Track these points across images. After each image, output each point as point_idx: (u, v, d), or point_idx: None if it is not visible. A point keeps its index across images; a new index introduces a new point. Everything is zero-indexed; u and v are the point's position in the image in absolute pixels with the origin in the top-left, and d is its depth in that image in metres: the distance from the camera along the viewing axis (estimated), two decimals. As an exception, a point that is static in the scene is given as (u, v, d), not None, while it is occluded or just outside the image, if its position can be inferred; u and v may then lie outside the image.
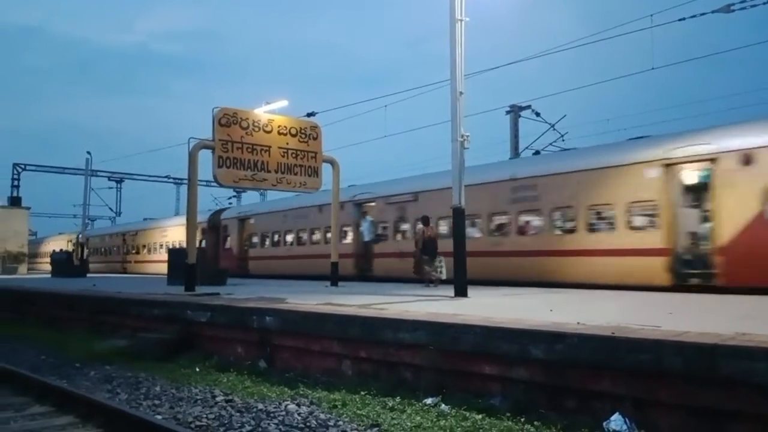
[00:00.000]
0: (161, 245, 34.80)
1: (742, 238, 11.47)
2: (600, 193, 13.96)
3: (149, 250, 37.46)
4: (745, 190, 11.53)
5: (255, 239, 26.94)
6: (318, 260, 19.74)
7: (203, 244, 25.92)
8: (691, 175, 12.67)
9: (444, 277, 13.59)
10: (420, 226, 15.24)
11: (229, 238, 28.81)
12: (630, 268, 13.04)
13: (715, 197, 11.95)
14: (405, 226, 19.27)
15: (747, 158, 11.61)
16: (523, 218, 15.65)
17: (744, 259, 11.37)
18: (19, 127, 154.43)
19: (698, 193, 12.58)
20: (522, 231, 15.70)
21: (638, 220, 13.33)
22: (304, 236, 23.41)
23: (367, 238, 20.23)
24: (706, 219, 12.37)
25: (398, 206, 19.63)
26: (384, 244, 19.92)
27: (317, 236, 22.53)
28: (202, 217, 25.43)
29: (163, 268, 20.61)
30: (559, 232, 14.94)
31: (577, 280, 13.58)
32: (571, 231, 14.56)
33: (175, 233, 32.70)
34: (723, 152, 11.91)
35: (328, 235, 20.08)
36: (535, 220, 15.43)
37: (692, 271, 12.36)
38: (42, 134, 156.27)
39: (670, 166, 12.73)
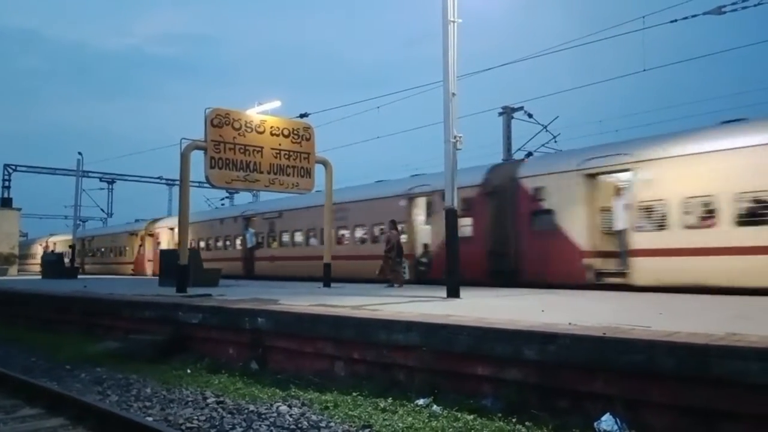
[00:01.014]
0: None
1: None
2: (380, 214, 18.75)
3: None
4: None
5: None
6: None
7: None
8: (418, 202, 18.82)
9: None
10: (393, 231, 15.89)
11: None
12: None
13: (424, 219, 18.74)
14: (274, 236, 25.04)
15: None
16: (340, 232, 21.08)
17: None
18: (14, 129, 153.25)
19: (425, 215, 18.54)
20: (339, 242, 20.85)
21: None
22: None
23: (249, 245, 25.47)
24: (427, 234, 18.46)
25: (270, 221, 25.28)
26: (261, 250, 25.41)
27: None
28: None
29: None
30: (359, 243, 20.68)
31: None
32: (364, 241, 20.45)
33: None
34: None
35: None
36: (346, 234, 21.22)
37: (423, 269, 18.16)
38: (37, 136, 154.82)
39: (411, 198, 18.84)
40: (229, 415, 6.14)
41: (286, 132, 15.49)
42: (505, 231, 15.97)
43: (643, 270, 12.93)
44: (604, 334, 5.31)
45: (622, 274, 13.39)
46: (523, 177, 15.77)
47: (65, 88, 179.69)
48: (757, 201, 11.73)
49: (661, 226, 12.83)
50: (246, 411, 6.26)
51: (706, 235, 12.17)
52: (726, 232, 11.87)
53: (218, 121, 14.28)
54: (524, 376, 5.68)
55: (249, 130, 14.78)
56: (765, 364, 4.32)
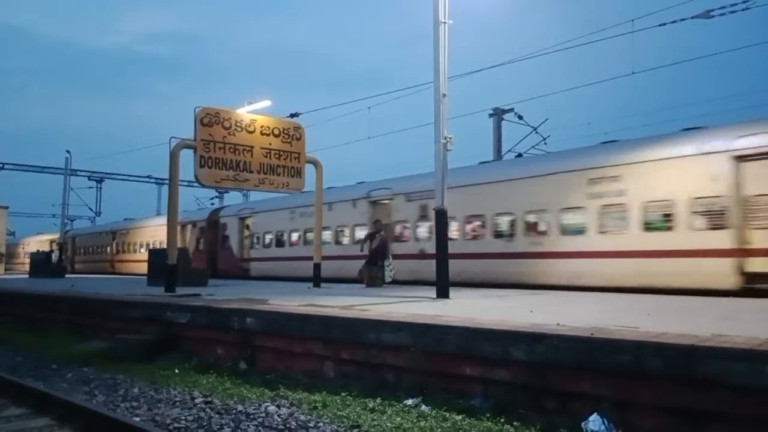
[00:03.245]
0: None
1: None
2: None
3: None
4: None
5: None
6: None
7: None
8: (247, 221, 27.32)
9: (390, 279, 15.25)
10: (382, 232, 16.18)
11: None
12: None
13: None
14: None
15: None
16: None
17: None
18: (2, 127, 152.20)
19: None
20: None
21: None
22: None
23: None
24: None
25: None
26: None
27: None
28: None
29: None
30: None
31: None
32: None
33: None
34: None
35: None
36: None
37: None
38: (25, 134, 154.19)
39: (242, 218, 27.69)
40: (217, 415, 6.11)
41: (276, 131, 15.46)
42: (215, 246, 28.68)
43: (253, 269, 25.91)
44: (592, 334, 5.33)
45: (247, 270, 25.96)
46: (221, 217, 28.95)
47: (53, 86, 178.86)
48: None
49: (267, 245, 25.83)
50: (234, 411, 6.23)
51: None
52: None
53: (208, 120, 14.22)
54: (513, 377, 5.70)
55: (239, 129, 14.73)
56: (750, 365, 4.36)
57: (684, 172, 12.68)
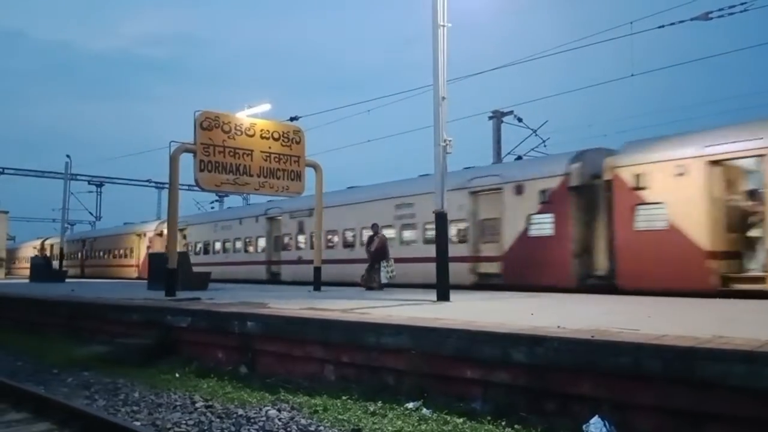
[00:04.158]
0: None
1: None
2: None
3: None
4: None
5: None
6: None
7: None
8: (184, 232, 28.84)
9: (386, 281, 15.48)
10: (381, 234, 16.40)
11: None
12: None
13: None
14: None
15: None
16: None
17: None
18: (0, 131, 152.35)
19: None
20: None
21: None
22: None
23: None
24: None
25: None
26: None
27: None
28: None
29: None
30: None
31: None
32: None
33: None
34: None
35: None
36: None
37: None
38: (24, 138, 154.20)
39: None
40: (217, 420, 6.10)
41: (276, 135, 15.48)
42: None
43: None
44: (593, 336, 5.34)
45: None
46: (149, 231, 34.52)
47: (51, 89, 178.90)
48: None
49: None
50: (235, 415, 6.23)
51: None
52: None
53: (208, 123, 14.24)
54: (513, 379, 5.70)
55: (239, 133, 14.75)
56: (750, 367, 4.36)
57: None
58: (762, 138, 11.81)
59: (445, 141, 11.01)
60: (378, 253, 15.76)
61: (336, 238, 21.98)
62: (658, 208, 13.08)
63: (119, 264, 36.84)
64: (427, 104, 11.32)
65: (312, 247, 19.95)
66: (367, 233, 18.60)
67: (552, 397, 5.47)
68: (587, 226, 14.85)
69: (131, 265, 35.37)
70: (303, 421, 5.90)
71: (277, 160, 15.35)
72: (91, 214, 47.18)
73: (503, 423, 5.41)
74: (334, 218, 20.71)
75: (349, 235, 21.59)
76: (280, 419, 6.00)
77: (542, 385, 5.51)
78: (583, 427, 4.99)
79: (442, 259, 10.91)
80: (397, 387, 6.59)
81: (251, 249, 26.58)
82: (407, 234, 19.30)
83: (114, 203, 48.72)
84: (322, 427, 5.69)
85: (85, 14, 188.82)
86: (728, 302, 10.01)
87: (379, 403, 6.27)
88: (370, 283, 15.44)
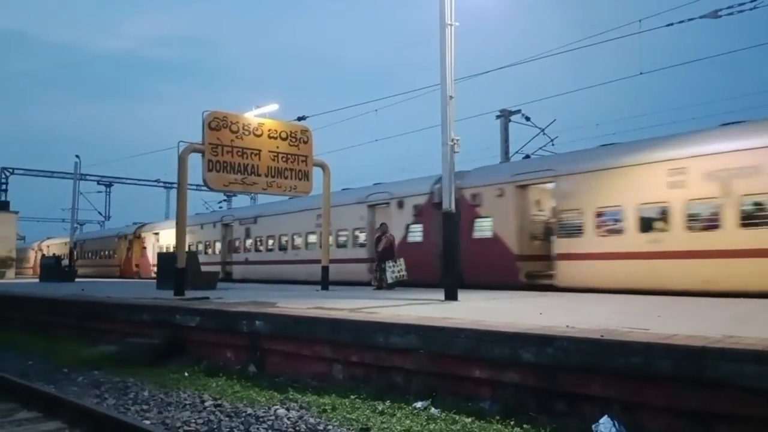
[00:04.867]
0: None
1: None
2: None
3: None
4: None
5: None
6: None
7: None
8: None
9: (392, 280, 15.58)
10: (389, 234, 16.46)
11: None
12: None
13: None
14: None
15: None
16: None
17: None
18: (8, 132, 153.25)
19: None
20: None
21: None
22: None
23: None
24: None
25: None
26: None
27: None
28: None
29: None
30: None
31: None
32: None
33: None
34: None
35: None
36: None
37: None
38: (31, 139, 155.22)
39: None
40: (226, 419, 6.13)
41: (284, 135, 15.52)
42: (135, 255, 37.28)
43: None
44: (602, 336, 5.32)
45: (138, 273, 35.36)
46: (142, 232, 36.78)
47: (58, 90, 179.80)
48: None
49: None
50: (244, 414, 6.25)
51: None
52: None
53: (216, 124, 14.29)
54: (522, 379, 5.69)
55: (247, 133, 14.79)
56: (761, 367, 4.34)
57: (351, 212, 20.94)
58: (551, 170, 15.22)
59: (452, 140, 10.99)
60: (385, 252, 15.78)
61: (272, 242, 25.58)
62: (487, 221, 16.30)
63: (105, 264, 40.82)
64: (435, 103, 11.30)
65: (256, 250, 26.28)
66: (299, 239, 23.82)
67: (561, 397, 5.45)
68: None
69: (114, 265, 39.18)
70: (312, 420, 5.91)
71: (284, 159, 15.39)
72: (100, 213, 47.52)
73: (512, 423, 5.40)
74: (273, 225, 25.34)
75: (283, 239, 24.86)
76: (288, 418, 6.01)
77: (551, 385, 5.50)
78: (593, 427, 4.98)
79: (449, 259, 10.90)
80: (406, 386, 6.59)
81: (210, 251, 29.96)
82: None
83: (123, 203, 49.03)
84: (330, 427, 5.70)
85: (92, 16, 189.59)
86: (728, 301, 9.94)
87: (388, 403, 6.27)
88: (381, 282, 15.41)
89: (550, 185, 15.47)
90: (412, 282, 15.71)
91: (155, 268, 29.46)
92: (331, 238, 20.99)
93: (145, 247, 36.06)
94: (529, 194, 16.01)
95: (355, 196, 21.33)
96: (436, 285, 14.82)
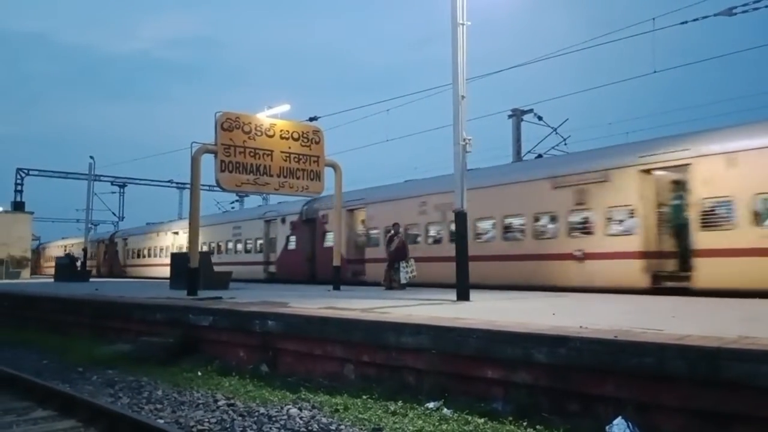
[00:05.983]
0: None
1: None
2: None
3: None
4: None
5: None
6: None
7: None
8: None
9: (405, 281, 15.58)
10: (400, 234, 16.40)
11: None
12: None
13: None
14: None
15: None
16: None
17: None
18: (23, 133, 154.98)
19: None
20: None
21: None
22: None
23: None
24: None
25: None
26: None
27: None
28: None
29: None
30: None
31: None
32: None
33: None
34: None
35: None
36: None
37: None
38: (46, 139, 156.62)
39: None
40: (239, 418, 6.15)
41: (295, 135, 15.55)
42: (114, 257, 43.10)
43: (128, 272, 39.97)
44: (616, 337, 5.28)
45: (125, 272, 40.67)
46: (117, 238, 43.48)
47: (73, 91, 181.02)
48: None
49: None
50: (256, 413, 6.28)
51: None
52: None
53: (228, 124, 14.34)
54: (535, 379, 5.67)
55: (259, 133, 14.84)
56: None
57: (253, 226, 27.98)
58: (362, 199, 21.45)
59: (464, 140, 10.97)
60: (397, 252, 15.73)
61: (214, 245, 30.43)
62: (331, 234, 20.36)
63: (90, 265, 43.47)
64: (447, 103, 11.29)
65: (218, 252, 29.75)
66: (231, 245, 29.49)
67: (575, 398, 5.43)
68: (311, 243, 23.65)
69: (93, 266, 42.13)
70: (324, 420, 5.92)
71: (296, 160, 15.42)
72: (114, 214, 47.95)
73: (525, 423, 5.38)
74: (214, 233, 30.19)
75: (222, 245, 30.32)
76: (301, 418, 6.03)
77: (565, 386, 5.47)
78: (607, 428, 4.95)
79: (462, 259, 10.85)
80: (418, 387, 6.59)
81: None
82: (238, 246, 29.24)
83: (136, 203, 49.39)
84: (342, 426, 5.71)
85: (107, 18, 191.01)
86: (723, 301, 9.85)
87: (400, 403, 6.27)
88: (391, 282, 15.44)
89: (363, 210, 21.51)
90: (287, 278, 23.07)
91: (126, 269, 41.07)
92: (240, 246, 28.85)
93: (116, 252, 43.21)
94: (356, 215, 21.96)
95: (257, 213, 28.94)
96: (307, 282, 21.55)
